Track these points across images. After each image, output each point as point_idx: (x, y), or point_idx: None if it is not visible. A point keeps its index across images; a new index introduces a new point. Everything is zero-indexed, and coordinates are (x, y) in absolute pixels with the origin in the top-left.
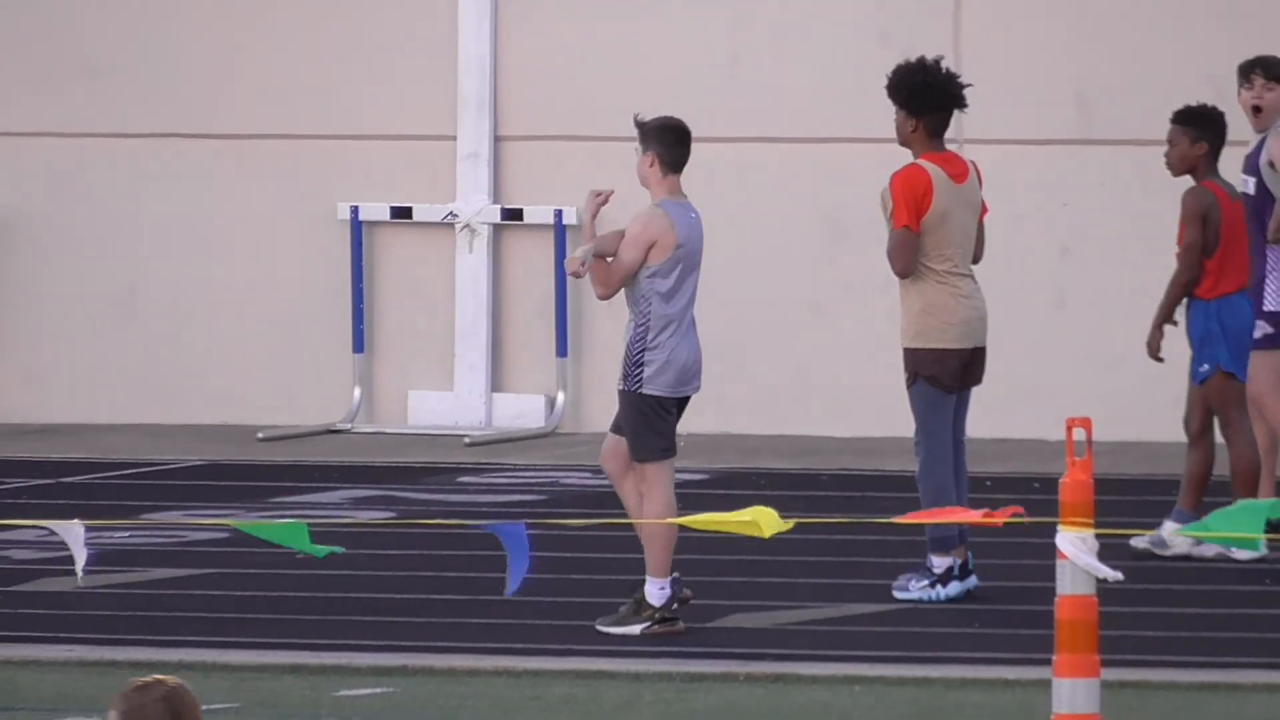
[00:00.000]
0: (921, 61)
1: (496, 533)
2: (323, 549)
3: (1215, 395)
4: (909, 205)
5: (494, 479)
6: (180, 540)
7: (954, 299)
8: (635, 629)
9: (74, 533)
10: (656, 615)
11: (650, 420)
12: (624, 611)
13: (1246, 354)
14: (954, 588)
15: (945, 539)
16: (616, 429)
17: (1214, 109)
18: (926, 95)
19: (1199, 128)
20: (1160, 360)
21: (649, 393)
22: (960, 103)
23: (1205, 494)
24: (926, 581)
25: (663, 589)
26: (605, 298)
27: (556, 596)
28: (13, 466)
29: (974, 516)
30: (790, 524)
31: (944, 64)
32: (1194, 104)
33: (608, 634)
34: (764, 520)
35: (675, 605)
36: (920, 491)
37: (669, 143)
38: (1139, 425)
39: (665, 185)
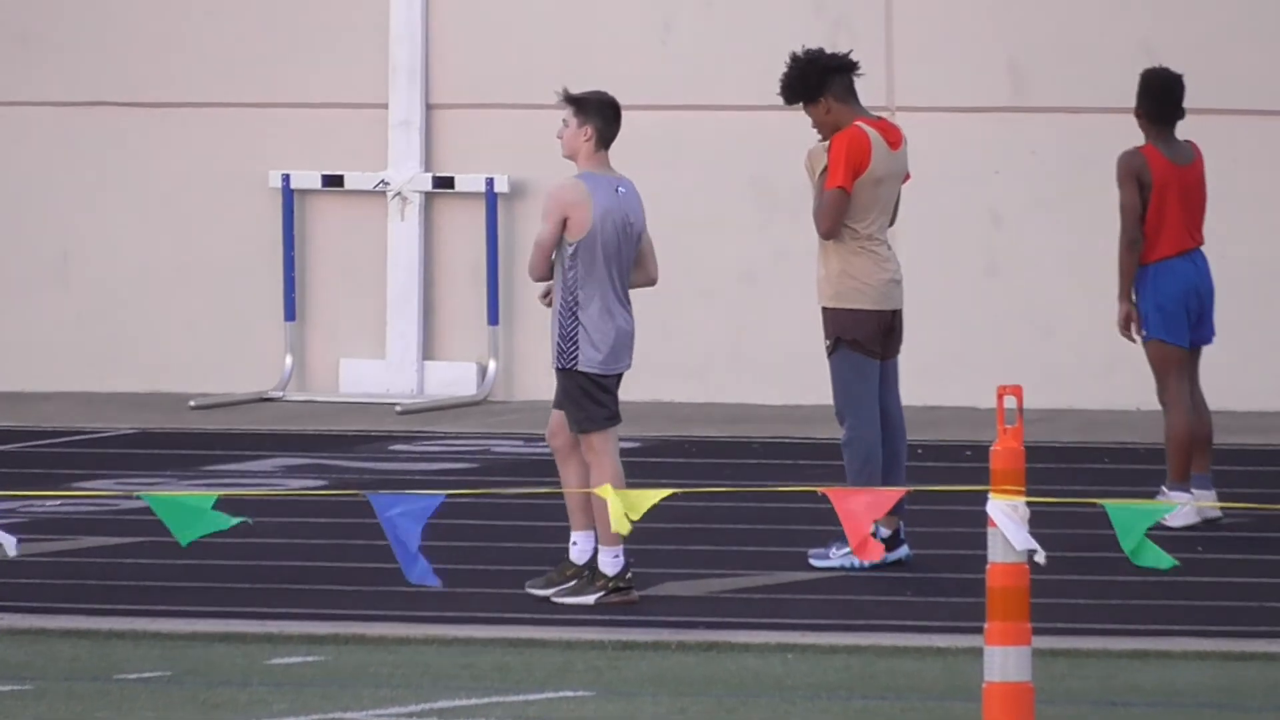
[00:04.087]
0: (792, 57)
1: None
2: (227, 520)
3: (1152, 361)
4: (849, 167)
5: (426, 447)
6: (111, 509)
7: (874, 263)
8: (589, 599)
9: None
10: (610, 585)
11: (589, 393)
12: (578, 582)
13: (1179, 320)
14: None
15: None
16: (559, 404)
17: (1157, 77)
18: (804, 83)
19: (1139, 94)
20: (1135, 339)
21: (583, 370)
22: (848, 64)
23: (1204, 455)
24: (849, 549)
25: (616, 557)
26: (537, 280)
27: (488, 565)
28: None
29: (883, 509)
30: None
31: (804, 47)
32: (1154, 68)
33: (562, 605)
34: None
35: (629, 575)
36: (846, 460)
37: (609, 118)
38: (1071, 393)
39: (596, 160)
